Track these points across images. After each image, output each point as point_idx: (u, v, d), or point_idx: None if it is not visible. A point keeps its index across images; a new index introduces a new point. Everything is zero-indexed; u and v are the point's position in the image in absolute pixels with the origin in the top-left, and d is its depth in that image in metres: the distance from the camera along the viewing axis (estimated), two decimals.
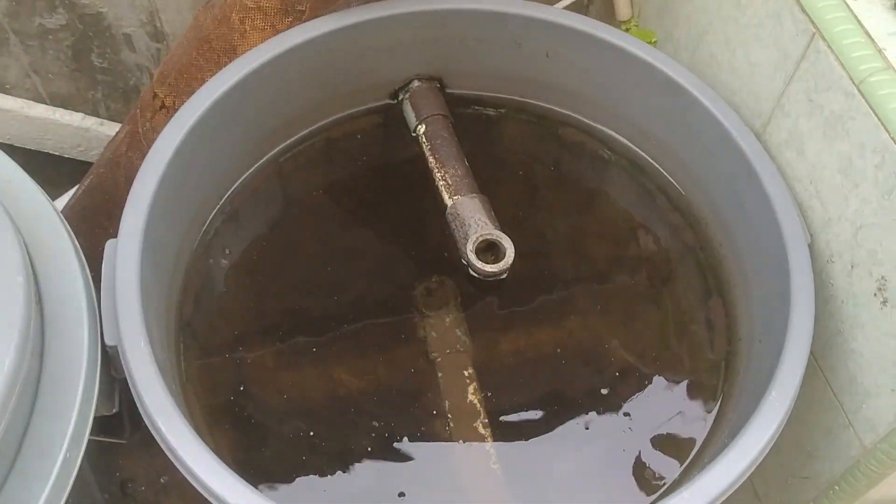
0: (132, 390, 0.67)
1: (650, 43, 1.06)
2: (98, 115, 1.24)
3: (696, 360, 0.88)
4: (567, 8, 1.00)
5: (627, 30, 1.10)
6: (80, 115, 1.22)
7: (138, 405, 0.67)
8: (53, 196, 1.11)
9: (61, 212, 1.06)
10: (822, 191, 0.80)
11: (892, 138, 0.70)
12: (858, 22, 0.75)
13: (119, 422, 0.77)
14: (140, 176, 0.76)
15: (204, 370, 0.83)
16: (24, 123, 1.19)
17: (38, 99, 1.20)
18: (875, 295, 0.75)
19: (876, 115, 0.71)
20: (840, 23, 0.75)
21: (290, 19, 0.89)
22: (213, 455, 0.65)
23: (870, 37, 0.74)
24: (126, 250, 0.72)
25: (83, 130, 1.23)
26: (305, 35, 0.86)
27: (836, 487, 0.86)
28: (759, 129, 0.87)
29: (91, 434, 0.75)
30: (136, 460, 1.37)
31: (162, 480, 1.39)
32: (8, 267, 0.63)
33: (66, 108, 1.21)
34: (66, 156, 1.24)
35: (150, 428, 0.66)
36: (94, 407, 0.67)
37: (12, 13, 1.08)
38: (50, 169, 1.23)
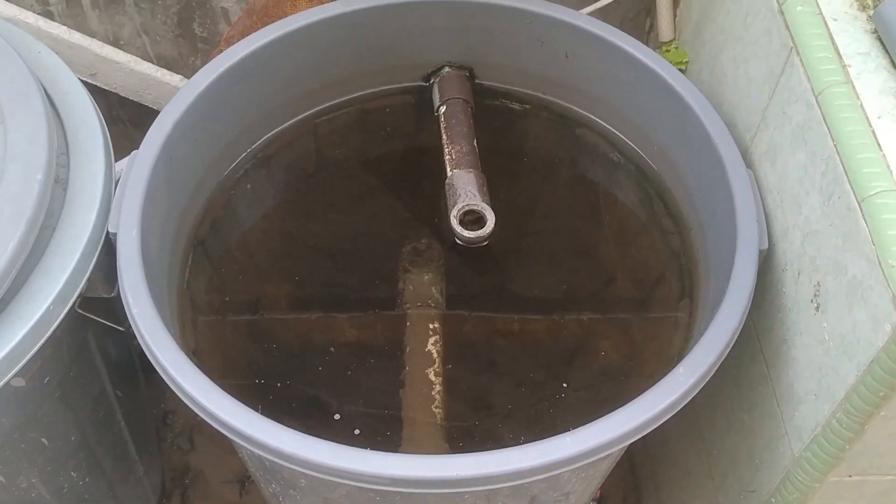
0: (118, 267, 0.78)
1: (681, 63, 1.11)
2: None
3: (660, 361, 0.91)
4: (597, 16, 1.07)
5: (667, 51, 1.15)
6: (180, 76, 1.38)
7: (118, 280, 0.78)
8: None
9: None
10: (784, 200, 0.83)
11: (835, 146, 0.73)
12: (832, 39, 0.78)
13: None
14: (170, 103, 0.89)
15: (207, 282, 0.94)
16: (130, 76, 1.36)
17: (146, 58, 1.37)
18: (811, 301, 0.77)
19: (826, 123, 0.74)
20: (815, 39, 0.79)
21: None
22: (168, 333, 0.75)
23: (838, 53, 0.77)
24: (142, 158, 0.84)
25: None
26: (342, 9, 0.97)
27: (773, 500, 0.87)
28: (749, 142, 0.91)
29: (95, 315, 0.88)
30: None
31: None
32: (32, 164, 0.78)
33: (168, 69, 1.38)
34: None
35: (123, 301, 0.77)
36: (87, 275, 0.79)
37: None
38: (146, 120, 1.40)
